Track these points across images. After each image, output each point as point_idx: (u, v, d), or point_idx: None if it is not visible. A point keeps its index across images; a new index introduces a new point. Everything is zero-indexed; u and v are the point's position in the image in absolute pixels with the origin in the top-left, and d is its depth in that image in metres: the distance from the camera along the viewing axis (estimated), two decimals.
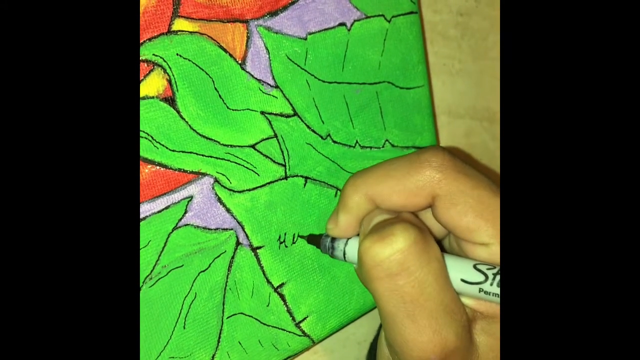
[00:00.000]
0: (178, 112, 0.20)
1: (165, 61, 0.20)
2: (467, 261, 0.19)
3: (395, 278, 0.17)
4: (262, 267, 0.23)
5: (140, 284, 0.20)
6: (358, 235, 0.21)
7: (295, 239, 0.24)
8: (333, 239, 0.22)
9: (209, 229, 0.21)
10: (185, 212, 0.21)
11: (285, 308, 0.24)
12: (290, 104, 0.23)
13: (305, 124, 0.24)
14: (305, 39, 0.23)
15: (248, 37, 0.22)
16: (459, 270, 0.19)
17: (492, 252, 0.19)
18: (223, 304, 0.22)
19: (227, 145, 0.22)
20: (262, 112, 0.22)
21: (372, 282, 0.18)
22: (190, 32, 0.20)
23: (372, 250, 0.18)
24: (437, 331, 0.17)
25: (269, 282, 0.23)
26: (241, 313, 0.23)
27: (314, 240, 0.23)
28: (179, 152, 0.20)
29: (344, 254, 0.21)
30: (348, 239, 0.22)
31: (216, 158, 0.21)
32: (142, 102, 0.20)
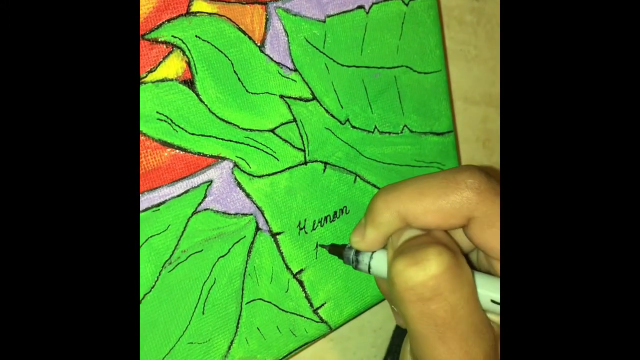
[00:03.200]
0: (197, 95, 0.20)
1: (184, 43, 0.20)
2: (496, 280, 0.19)
3: (428, 303, 0.17)
4: (281, 253, 0.23)
5: (160, 268, 0.20)
6: (383, 248, 0.21)
7: (315, 227, 0.24)
8: (357, 252, 0.22)
9: (228, 213, 0.21)
10: (205, 196, 0.20)
11: (304, 294, 0.23)
12: (309, 88, 0.23)
13: (324, 108, 0.23)
14: (324, 21, 0.23)
15: (267, 20, 0.21)
16: (489, 290, 0.19)
17: None
18: (242, 290, 0.22)
19: (246, 130, 0.21)
20: (281, 96, 0.22)
21: (403, 304, 0.18)
22: (209, 14, 0.20)
23: (406, 274, 0.17)
24: (467, 352, 0.17)
25: (288, 268, 0.23)
26: (260, 299, 0.22)
27: (336, 250, 0.23)
28: (199, 135, 0.20)
29: (369, 267, 0.21)
30: (373, 252, 0.21)
31: (235, 142, 0.21)
32: (161, 85, 0.19)
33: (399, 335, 0.29)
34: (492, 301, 0.19)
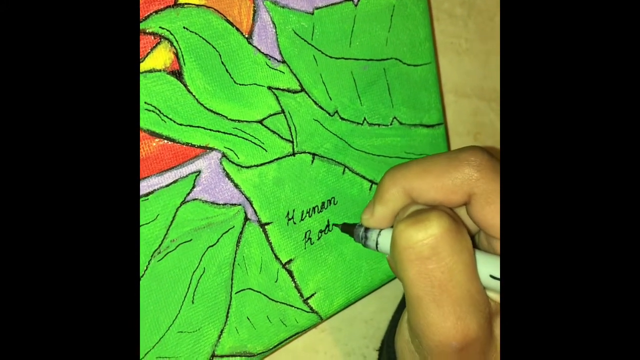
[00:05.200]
0: (185, 85, 0.20)
1: (171, 34, 0.20)
2: (496, 258, 0.19)
3: (426, 262, 0.18)
4: (270, 243, 0.23)
5: (149, 257, 0.20)
6: (391, 227, 0.22)
7: (303, 217, 0.24)
8: (367, 229, 0.22)
9: (217, 204, 0.21)
10: (194, 186, 0.21)
11: (293, 284, 0.24)
12: (297, 80, 0.23)
13: (313, 100, 0.23)
14: (312, 13, 0.23)
15: (254, 11, 0.22)
16: (488, 266, 0.19)
17: None
18: (231, 279, 0.22)
19: (234, 120, 0.21)
20: (269, 87, 0.22)
21: (402, 264, 0.18)
22: (197, 5, 0.20)
23: (406, 232, 0.18)
24: (461, 318, 0.18)
25: (277, 258, 0.23)
26: (249, 289, 0.23)
27: (348, 229, 0.24)
28: (187, 126, 0.20)
29: (377, 244, 0.22)
30: (381, 229, 0.22)
31: (224, 133, 0.21)
32: (149, 76, 0.20)
33: (401, 309, 0.29)
34: (492, 276, 0.19)
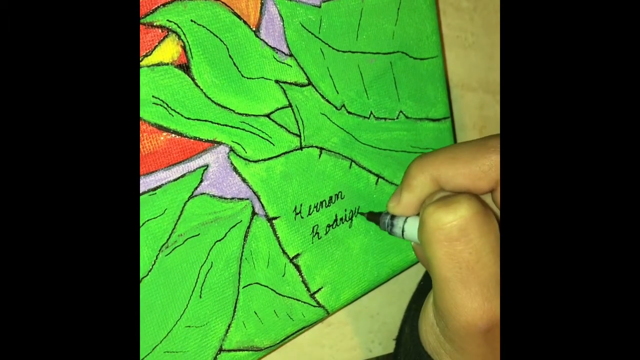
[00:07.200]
0: (193, 79, 0.20)
1: (179, 27, 0.20)
2: None
3: (455, 243, 0.18)
4: (277, 238, 0.23)
5: (157, 252, 0.20)
6: (417, 214, 0.22)
7: (311, 212, 0.24)
8: (393, 217, 0.22)
9: (224, 198, 0.21)
10: (201, 180, 0.21)
11: (301, 279, 0.24)
12: (305, 73, 0.23)
13: (320, 93, 0.23)
14: (319, 6, 0.23)
15: (262, 4, 0.21)
16: None
17: None
18: (239, 274, 0.22)
19: (242, 114, 0.21)
20: (277, 81, 0.22)
21: (431, 245, 0.18)
22: None
23: (436, 214, 0.18)
24: (488, 299, 0.18)
25: (284, 252, 0.23)
26: (257, 283, 0.23)
27: (374, 217, 0.24)
28: (195, 120, 0.20)
29: (403, 231, 0.22)
30: (407, 217, 0.22)
31: (231, 127, 0.21)
32: (156, 69, 0.19)
33: (418, 299, 0.29)
34: None
